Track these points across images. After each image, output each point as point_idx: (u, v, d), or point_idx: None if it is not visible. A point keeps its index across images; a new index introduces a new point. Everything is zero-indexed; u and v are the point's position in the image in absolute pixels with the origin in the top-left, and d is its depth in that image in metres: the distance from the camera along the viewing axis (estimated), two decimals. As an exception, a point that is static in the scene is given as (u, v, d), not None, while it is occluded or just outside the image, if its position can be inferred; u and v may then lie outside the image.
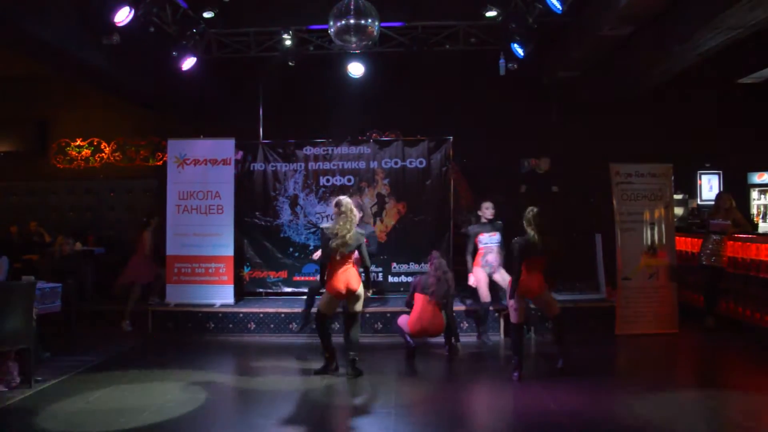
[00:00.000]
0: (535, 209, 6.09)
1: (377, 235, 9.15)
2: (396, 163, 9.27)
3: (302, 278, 9.08)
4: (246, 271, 9.20)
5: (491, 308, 7.63)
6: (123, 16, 7.31)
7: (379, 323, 8.10)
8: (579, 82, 10.55)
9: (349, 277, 6.01)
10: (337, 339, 6.50)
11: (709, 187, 11.68)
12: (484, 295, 7.51)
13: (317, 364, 6.29)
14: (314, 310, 6.70)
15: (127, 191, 11.65)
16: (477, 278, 7.54)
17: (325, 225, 6.22)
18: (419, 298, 6.80)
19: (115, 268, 9.48)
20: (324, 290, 6.16)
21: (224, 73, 10.70)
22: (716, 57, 8.50)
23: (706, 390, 5.96)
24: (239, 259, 9.01)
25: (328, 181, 9.29)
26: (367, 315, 8.11)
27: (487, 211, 7.62)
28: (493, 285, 7.64)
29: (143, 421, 4.94)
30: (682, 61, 8.66)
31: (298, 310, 8.05)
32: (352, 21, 6.83)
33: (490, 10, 8.48)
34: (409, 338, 6.80)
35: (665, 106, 11.11)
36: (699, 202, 11.47)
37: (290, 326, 8.12)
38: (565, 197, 9.84)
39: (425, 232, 8.99)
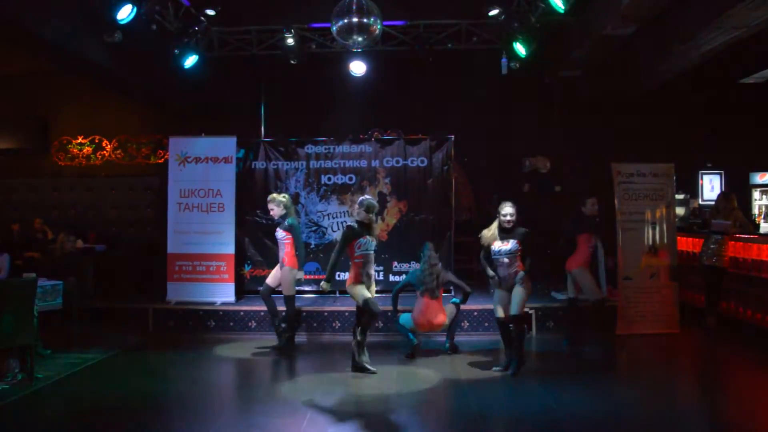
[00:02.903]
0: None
1: (378, 234, 9.15)
2: (397, 161, 9.27)
3: (303, 276, 9.06)
4: (247, 269, 9.20)
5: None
6: (125, 13, 7.31)
7: (379, 321, 8.09)
8: (581, 82, 10.54)
9: None
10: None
11: (711, 187, 11.67)
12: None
13: (316, 362, 6.30)
14: None
15: (129, 189, 11.63)
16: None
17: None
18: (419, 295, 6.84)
19: (116, 265, 9.48)
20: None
21: (226, 71, 10.70)
22: (718, 57, 8.49)
23: (707, 390, 5.98)
24: (240, 257, 9.01)
25: (329, 179, 9.28)
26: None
27: (593, 207, 7.41)
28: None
29: (143, 419, 4.95)
30: (684, 60, 8.66)
31: (299, 307, 8.05)
32: (354, 19, 6.83)
33: (493, 9, 8.47)
34: (411, 336, 6.80)
35: (667, 105, 11.10)
36: (700, 202, 11.46)
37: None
38: (567, 196, 9.85)
39: (426, 231, 8.97)
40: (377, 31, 7.10)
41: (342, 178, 9.27)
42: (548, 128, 11.00)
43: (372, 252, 6.14)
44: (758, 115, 11.17)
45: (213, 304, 8.44)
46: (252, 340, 7.82)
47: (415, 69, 10.29)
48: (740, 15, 6.78)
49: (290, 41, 9.19)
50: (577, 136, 10.83)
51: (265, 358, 7.04)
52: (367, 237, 6.08)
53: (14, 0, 7.02)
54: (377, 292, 8.94)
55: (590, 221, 7.34)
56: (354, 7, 6.77)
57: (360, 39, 7.05)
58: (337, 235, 9.14)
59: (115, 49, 8.44)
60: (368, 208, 6.06)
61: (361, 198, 6.23)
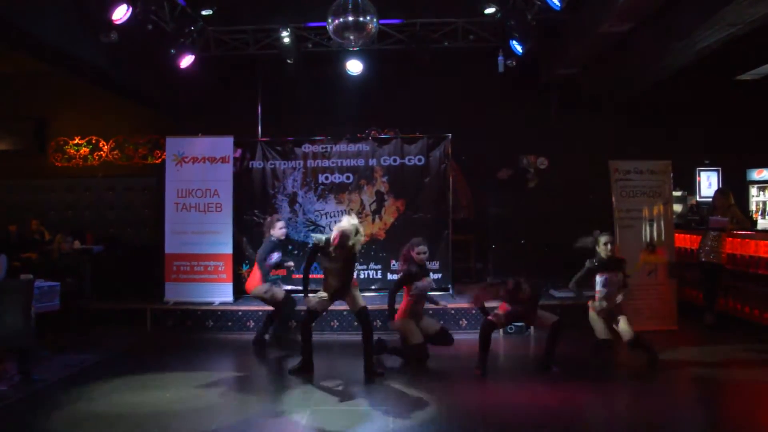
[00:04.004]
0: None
1: (376, 232, 9.18)
2: (395, 160, 9.26)
3: (301, 276, 9.06)
4: (245, 269, 9.19)
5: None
6: (121, 13, 7.28)
7: (378, 320, 8.09)
8: (578, 79, 10.54)
9: None
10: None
11: (708, 183, 11.67)
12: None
13: (315, 362, 6.30)
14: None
15: (126, 189, 11.63)
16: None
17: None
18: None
19: (114, 266, 9.45)
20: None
21: (222, 71, 10.69)
22: (715, 53, 8.49)
23: (706, 387, 5.98)
24: (238, 257, 9.00)
25: (326, 178, 9.28)
26: (367, 313, 8.11)
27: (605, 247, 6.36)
28: None
29: (143, 419, 4.94)
30: (681, 57, 8.66)
31: (297, 308, 8.06)
32: (350, 18, 6.83)
33: (489, 6, 8.46)
34: None
35: (664, 102, 11.10)
36: (698, 199, 11.45)
37: (289, 324, 8.12)
38: (564, 193, 9.87)
39: (424, 229, 8.96)
40: (373, 30, 7.10)
41: (339, 177, 9.27)
42: (545, 126, 10.99)
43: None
44: (755, 112, 11.18)
45: (211, 304, 8.44)
46: (250, 339, 7.81)
47: (412, 67, 10.27)
48: (737, 11, 6.77)
49: (286, 40, 9.17)
50: (574, 133, 10.83)
51: (263, 358, 7.04)
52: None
53: (10, 0, 6.99)
54: (376, 290, 9.05)
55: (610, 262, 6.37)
56: (350, 6, 6.76)
57: (356, 38, 7.05)
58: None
59: (111, 50, 8.41)
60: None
61: None
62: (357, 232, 6.04)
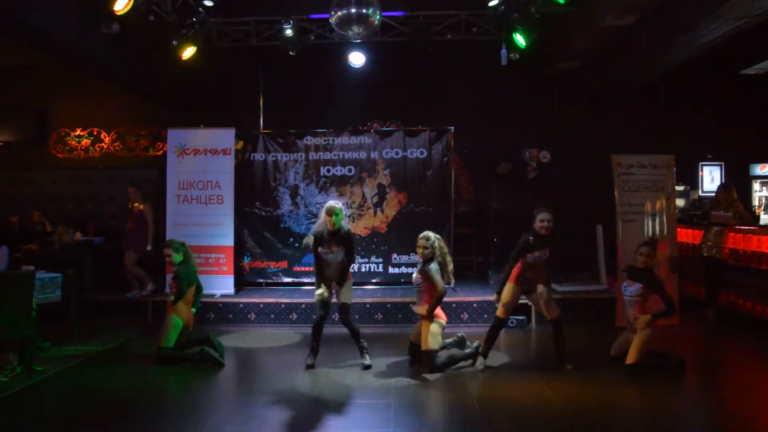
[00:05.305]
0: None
1: (378, 225, 9.17)
2: (397, 153, 9.24)
3: (302, 268, 9.09)
4: (246, 261, 9.20)
5: None
6: (122, 4, 7.25)
7: (379, 314, 8.11)
8: (581, 73, 10.49)
9: None
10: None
11: (711, 178, 11.65)
12: None
13: (319, 354, 6.30)
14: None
15: (127, 181, 11.61)
16: None
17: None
18: None
19: (115, 258, 9.46)
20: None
21: (224, 63, 10.64)
22: (719, 48, 8.44)
23: (707, 382, 5.98)
24: (239, 249, 9.01)
25: (328, 171, 9.26)
26: (368, 306, 8.12)
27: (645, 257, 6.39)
28: None
29: (144, 411, 4.95)
30: (685, 51, 8.60)
31: (299, 300, 8.11)
32: (353, 10, 6.79)
33: (492, -1, 8.41)
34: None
35: (668, 96, 11.07)
36: (700, 194, 11.45)
37: (290, 316, 8.13)
38: (567, 187, 9.82)
39: (426, 222, 8.95)
40: (376, 22, 7.06)
41: (341, 170, 9.25)
42: (548, 120, 10.96)
43: (328, 258, 6.17)
44: (758, 107, 11.15)
45: (212, 296, 8.43)
46: (251, 332, 7.83)
47: (415, 60, 10.24)
48: (742, 5, 6.71)
49: (289, 32, 9.12)
50: (577, 127, 10.80)
51: (264, 349, 7.04)
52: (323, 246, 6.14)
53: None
54: (377, 283, 9.05)
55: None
56: (353, -2, 6.73)
57: (359, 30, 7.01)
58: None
59: (113, 41, 8.38)
60: (327, 211, 6.07)
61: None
62: (338, 211, 6.07)
